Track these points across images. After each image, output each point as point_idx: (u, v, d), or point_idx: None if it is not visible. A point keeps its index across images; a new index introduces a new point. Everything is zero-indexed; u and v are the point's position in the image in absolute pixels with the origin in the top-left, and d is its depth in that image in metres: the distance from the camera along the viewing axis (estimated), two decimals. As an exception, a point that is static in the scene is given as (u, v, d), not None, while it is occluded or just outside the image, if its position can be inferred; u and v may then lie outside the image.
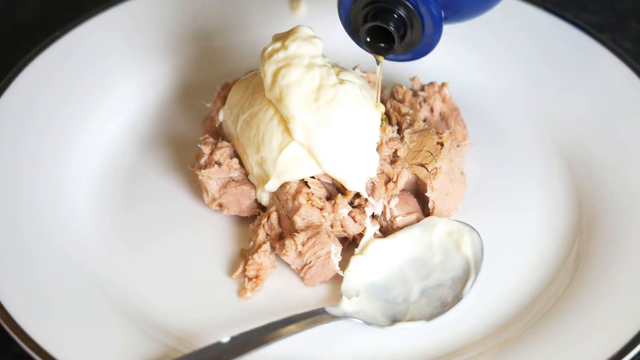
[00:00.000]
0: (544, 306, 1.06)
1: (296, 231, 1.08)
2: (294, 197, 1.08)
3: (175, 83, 1.31)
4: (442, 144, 1.10)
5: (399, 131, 1.14)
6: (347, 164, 1.08)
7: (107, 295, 1.07)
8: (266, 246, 1.09)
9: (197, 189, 1.17)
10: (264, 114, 1.09)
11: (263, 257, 1.08)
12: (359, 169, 1.08)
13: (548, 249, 1.12)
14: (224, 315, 1.07)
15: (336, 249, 1.08)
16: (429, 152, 1.10)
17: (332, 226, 1.09)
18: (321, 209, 1.08)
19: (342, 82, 1.06)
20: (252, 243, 1.11)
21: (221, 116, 1.17)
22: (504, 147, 1.21)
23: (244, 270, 1.09)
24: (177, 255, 1.13)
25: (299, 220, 1.08)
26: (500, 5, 1.27)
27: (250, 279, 1.08)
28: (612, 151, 1.17)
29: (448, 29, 1.29)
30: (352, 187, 1.09)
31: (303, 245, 1.06)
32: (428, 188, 1.09)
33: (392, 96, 1.19)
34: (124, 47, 1.31)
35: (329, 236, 1.07)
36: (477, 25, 1.28)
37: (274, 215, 1.11)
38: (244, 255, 1.11)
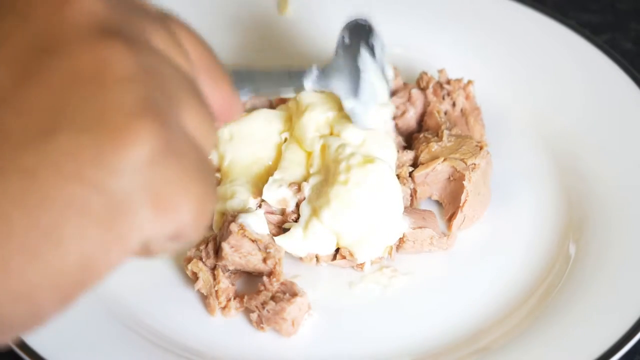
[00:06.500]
0: (536, 304, 1.04)
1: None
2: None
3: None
4: (481, 147, 1.09)
5: (436, 132, 1.12)
6: (361, 233, 1.01)
7: (106, 296, 1.05)
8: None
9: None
10: None
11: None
12: (376, 237, 1.02)
13: (540, 247, 1.09)
14: (223, 316, 1.03)
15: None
16: (468, 151, 1.10)
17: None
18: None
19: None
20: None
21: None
22: (499, 147, 1.21)
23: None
24: (175, 256, 1.07)
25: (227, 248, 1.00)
26: (496, 7, 1.27)
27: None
28: (606, 153, 1.16)
29: (447, 31, 1.29)
30: (361, 258, 1.02)
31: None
32: (466, 178, 1.07)
33: (417, 84, 1.18)
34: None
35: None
36: (474, 26, 1.28)
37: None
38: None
